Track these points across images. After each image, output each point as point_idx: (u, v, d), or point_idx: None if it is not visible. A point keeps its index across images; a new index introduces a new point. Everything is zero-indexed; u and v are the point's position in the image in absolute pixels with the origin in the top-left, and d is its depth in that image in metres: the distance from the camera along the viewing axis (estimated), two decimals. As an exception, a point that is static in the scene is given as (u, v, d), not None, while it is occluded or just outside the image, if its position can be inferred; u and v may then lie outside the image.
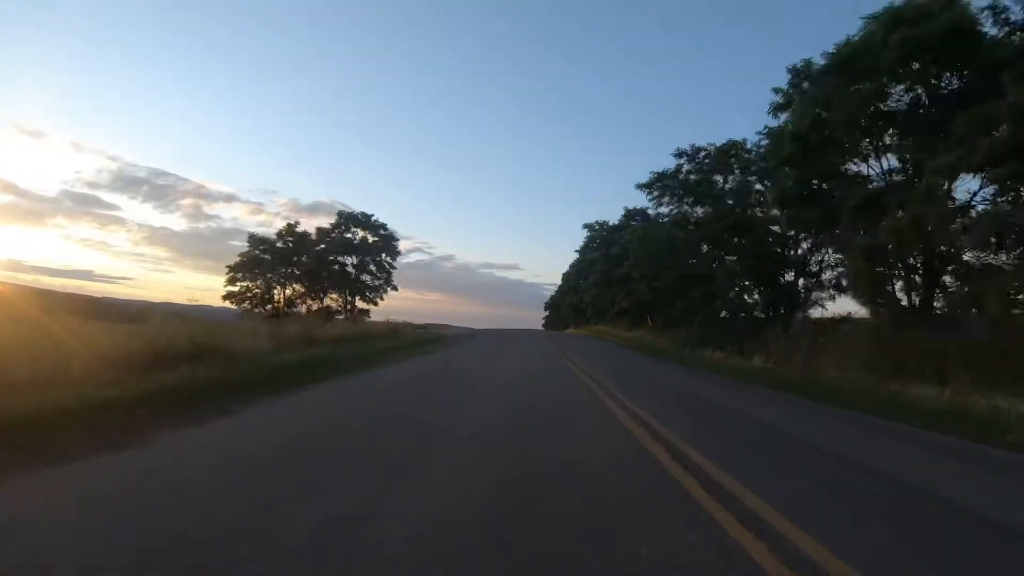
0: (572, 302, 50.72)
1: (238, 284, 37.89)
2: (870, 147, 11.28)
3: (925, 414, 7.56)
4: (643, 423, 5.64)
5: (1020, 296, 8.41)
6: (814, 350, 12.61)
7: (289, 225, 39.51)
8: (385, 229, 38.17)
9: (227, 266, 39.25)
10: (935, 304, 12.16)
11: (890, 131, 10.85)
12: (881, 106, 10.60)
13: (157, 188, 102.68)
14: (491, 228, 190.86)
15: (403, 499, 2.97)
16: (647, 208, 30.64)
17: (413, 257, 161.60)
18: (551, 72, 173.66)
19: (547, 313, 73.63)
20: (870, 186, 10.67)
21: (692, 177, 24.93)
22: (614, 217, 40.97)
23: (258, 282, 39.51)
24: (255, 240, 39.39)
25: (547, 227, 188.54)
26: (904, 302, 12.81)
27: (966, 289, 9.26)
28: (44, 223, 74.41)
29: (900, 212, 9.13)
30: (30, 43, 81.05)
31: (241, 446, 4.20)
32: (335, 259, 37.75)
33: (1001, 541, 2.90)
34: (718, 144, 24.49)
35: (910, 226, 8.70)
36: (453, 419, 5.57)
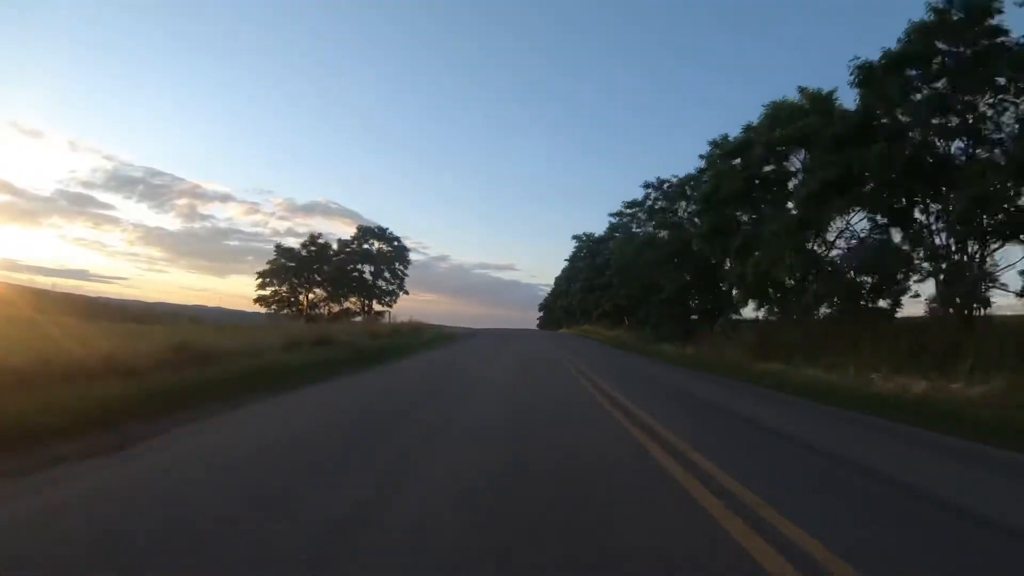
0: (563, 304, 56.46)
1: (268, 288, 43.18)
2: (751, 207, 16.92)
3: (759, 377, 13.10)
4: (597, 387, 11.16)
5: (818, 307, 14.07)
6: (726, 342, 18.21)
7: (312, 236, 44.87)
8: (398, 241, 43.68)
9: (257, 272, 44.54)
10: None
11: (764, 197, 16.45)
12: (757, 178, 16.21)
13: (152, 188, 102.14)
14: (487, 228, 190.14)
15: (472, 404, 8.47)
16: (628, 223, 36.35)
17: (409, 257, 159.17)
18: (546, 72, 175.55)
19: (541, 314, 79.26)
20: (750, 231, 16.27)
21: (660, 204, 30.65)
22: (608, 219, 45.91)
23: (284, 287, 44.82)
24: (281, 250, 44.71)
25: (543, 228, 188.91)
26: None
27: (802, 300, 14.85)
28: (39, 222, 75.27)
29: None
30: (27, 42, 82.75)
31: (384, 380, 9.70)
32: (355, 268, 43.10)
33: (754, 427, 8.38)
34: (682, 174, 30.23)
35: (756, 264, 14.27)
36: (490, 370, 11.08)
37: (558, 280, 61.77)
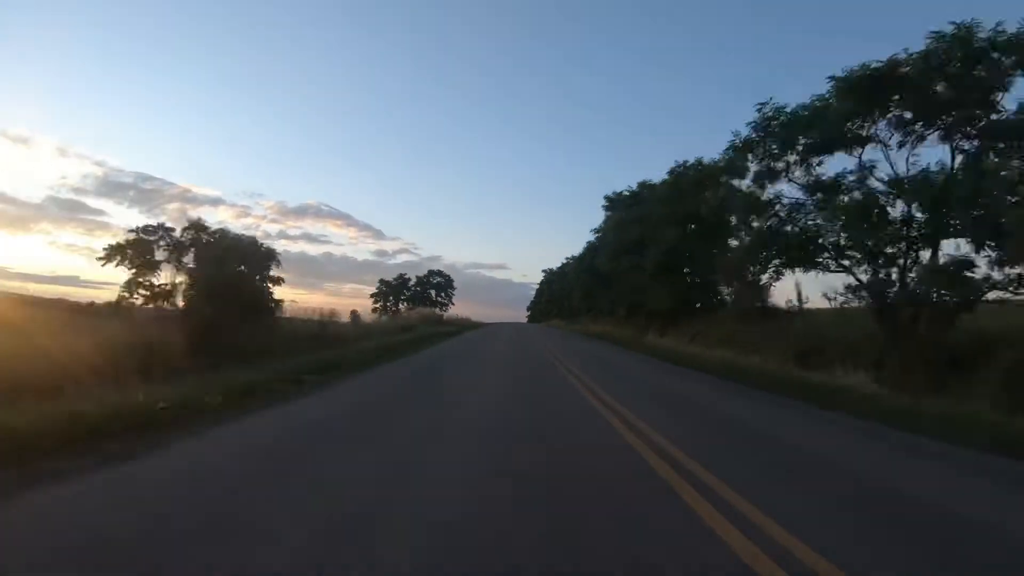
0: (541, 308, 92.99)
1: (379, 303, 79.35)
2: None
3: (593, 334, 49.41)
4: (538, 338, 47.79)
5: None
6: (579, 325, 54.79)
7: (401, 275, 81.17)
8: (448, 277, 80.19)
9: (371, 294, 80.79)
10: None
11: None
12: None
13: (143, 193, 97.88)
14: (479, 229, 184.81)
15: (505, 334, 45.16)
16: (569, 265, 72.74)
17: (400, 258, 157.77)
18: (538, 72, 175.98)
19: (529, 312, 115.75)
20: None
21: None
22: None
23: (383, 303, 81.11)
24: (382, 282, 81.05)
25: (535, 228, 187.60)
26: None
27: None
28: (29, 229, 73.66)
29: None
30: (14, 49, 79.26)
31: (460, 342, 46.43)
32: (425, 291, 79.59)
33: (578, 349, 44.93)
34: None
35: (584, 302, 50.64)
36: (502, 334, 47.80)
37: (538, 291, 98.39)
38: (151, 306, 16.67)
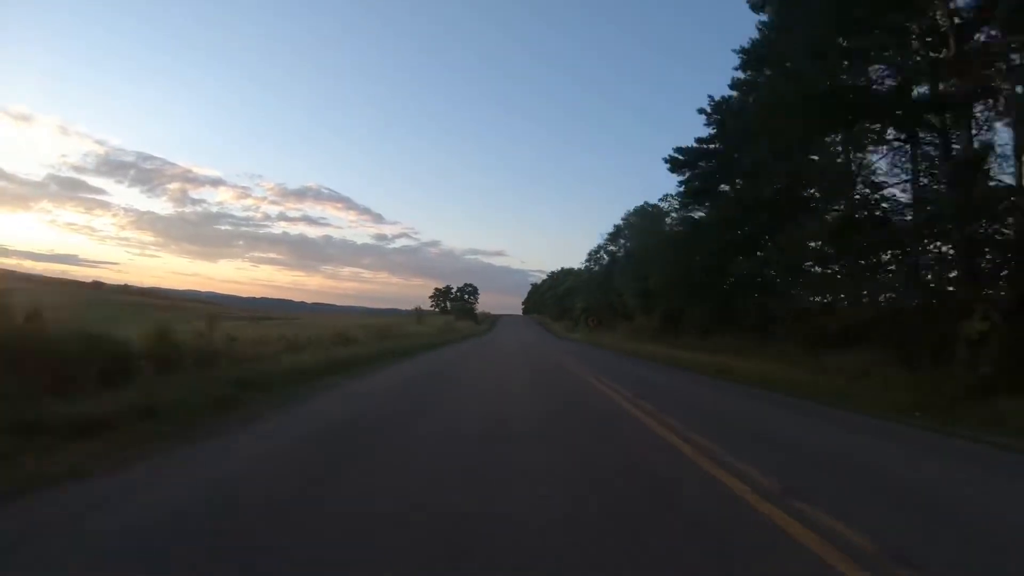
0: (532, 305, 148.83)
1: (435, 304, 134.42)
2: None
3: (552, 327, 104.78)
4: (523, 322, 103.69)
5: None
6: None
7: (447, 285, 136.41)
8: (475, 287, 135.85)
9: (429, 295, 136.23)
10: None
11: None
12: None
13: (144, 172, 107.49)
14: (478, 214, 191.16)
15: (510, 324, 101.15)
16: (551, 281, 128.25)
17: (399, 243, 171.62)
18: (538, 60, 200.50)
19: (524, 306, 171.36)
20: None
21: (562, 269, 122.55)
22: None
23: (439, 303, 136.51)
24: (436, 289, 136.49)
25: (535, 213, 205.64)
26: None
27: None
28: (29, 207, 75.78)
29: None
30: (17, 28, 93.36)
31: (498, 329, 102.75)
32: (463, 296, 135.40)
33: (545, 342, 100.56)
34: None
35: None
36: (510, 321, 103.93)
37: (530, 292, 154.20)
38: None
